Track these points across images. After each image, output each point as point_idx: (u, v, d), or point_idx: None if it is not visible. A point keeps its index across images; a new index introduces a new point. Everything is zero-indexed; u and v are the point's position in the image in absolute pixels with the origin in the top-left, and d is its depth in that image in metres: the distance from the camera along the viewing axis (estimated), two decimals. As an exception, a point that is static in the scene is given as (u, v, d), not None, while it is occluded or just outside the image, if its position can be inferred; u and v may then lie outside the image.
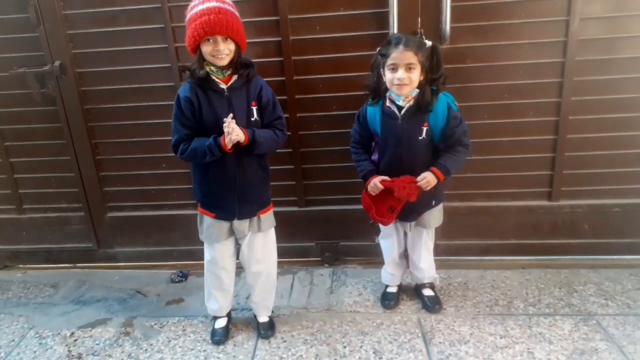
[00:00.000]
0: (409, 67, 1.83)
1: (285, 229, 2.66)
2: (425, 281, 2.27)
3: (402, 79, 1.83)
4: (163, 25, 2.39)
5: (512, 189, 2.53)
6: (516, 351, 1.93)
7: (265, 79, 2.41)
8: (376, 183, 1.97)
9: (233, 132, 1.71)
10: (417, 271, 2.26)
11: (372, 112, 2.03)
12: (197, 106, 1.81)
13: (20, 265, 2.92)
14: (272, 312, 2.20)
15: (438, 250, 2.42)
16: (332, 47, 2.38)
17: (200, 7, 1.71)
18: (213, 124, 1.81)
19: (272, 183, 2.58)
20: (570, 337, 1.99)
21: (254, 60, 2.36)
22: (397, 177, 1.94)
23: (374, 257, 2.60)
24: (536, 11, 2.25)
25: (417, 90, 1.90)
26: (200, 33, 1.70)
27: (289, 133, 2.49)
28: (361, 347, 2.01)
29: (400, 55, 1.82)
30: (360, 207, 2.09)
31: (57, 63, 2.46)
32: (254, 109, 1.88)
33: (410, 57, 1.82)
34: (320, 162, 2.58)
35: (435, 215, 2.14)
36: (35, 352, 2.13)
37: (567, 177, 2.47)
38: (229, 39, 1.75)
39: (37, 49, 2.47)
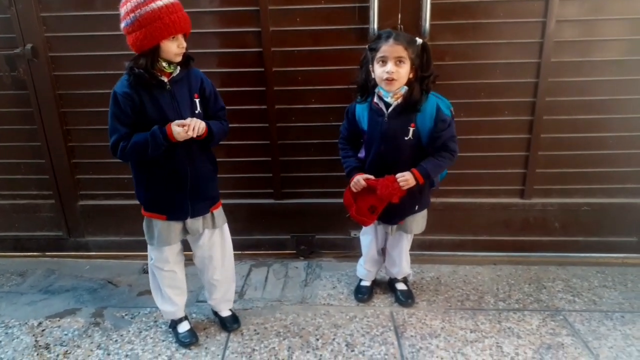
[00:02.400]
0: (398, 61, 1.80)
1: (261, 221, 2.68)
2: (399, 276, 2.29)
3: (391, 72, 1.80)
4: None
5: (486, 186, 2.57)
6: (485, 345, 1.96)
7: (244, 70, 2.44)
8: (359, 180, 1.95)
9: (197, 127, 1.67)
10: (393, 268, 2.27)
11: (361, 109, 2.01)
12: (139, 102, 1.71)
13: (-13, 253, 2.84)
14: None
15: (412, 245, 2.42)
16: (312, 39, 2.37)
17: (159, 3, 1.60)
18: (157, 120, 1.71)
19: (248, 175, 2.61)
20: (538, 332, 2.04)
21: (234, 50, 2.40)
22: (382, 177, 1.92)
23: (348, 251, 2.62)
24: (514, 11, 2.28)
25: (405, 88, 1.87)
26: (171, 31, 1.62)
27: (267, 125, 2.50)
28: (334, 339, 2.02)
29: (390, 48, 1.80)
30: (337, 200, 2.10)
31: (28, 46, 2.38)
32: (197, 101, 1.81)
33: (400, 50, 1.80)
34: (298, 155, 2.57)
35: (418, 221, 2.12)
36: (0, 341, 2.08)
37: (540, 176, 2.52)
38: (184, 35, 1.71)
39: (8, 31, 2.39)
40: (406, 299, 2.23)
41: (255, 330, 2.09)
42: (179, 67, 1.75)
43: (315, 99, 2.46)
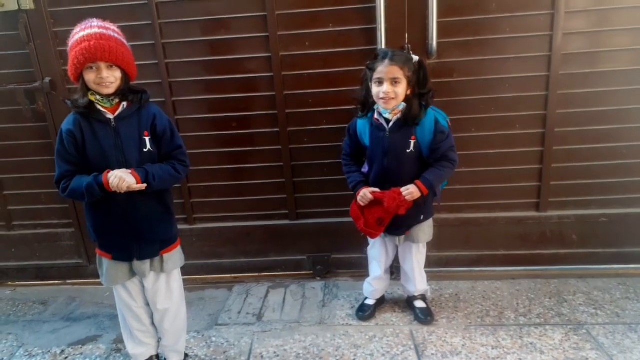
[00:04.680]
0: (394, 81, 1.87)
1: (277, 242, 2.70)
2: (417, 293, 2.28)
3: (387, 92, 1.87)
4: (153, 42, 2.41)
5: (500, 200, 2.56)
6: (508, 362, 1.94)
7: (255, 94, 2.49)
8: (366, 193, 2.00)
9: (122, 184, 1.59)
10: (408, 284, 2.27)
11: (362, 125, 2.07)
12: (81, 139, 1.66)
13: (9, 283, 2.89)
14: (186, 355, 2.07)
15: (429, 262, 2.43)
16: (321, 62, 2.42)
17: (82, 33, 1.59)
18: (98, 158, 1.66)
19: (263, 197, 2.63)
20: (561, 346, 2.01)
21: (245, 75, 2.45)
22: (387, 190, 1.97)
23: (365, 270, 2.60)
24: (520, 26, 2.30)
25: (404, 104, 1.93)
26: (81, 60, 1.57)
27: (279, 147, 2.53)
28: (354, 360, 2.01)
29: (385, 69, 1.86)
30: (352, 219, 2.11)
31: (47, 80, 2.47)
32: (147, 139, 1.72)
33: (396, 71, 1.86)
34: (311, 175, 2.60)
35: (424, 230, 2.14)
36: (24, 370, 2.11)
37: (554, 188, 2.51)
38: (114, 66, 1.62)
39: (27, 66, 2.48)
40: (425, 317, 2.22)
41: (275, 352, 2.09)
42: (124, 104, 1.69)
43: (327, 120, 2.50)
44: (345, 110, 2.40)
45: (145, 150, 1.72)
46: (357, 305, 2.35)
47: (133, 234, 1.75)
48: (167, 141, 1.77)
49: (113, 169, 1.64)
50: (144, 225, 1.75)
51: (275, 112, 2.50)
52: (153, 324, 1.96)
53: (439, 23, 2.26)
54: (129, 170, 1.64)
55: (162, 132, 1.75)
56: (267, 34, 2.38)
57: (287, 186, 2.61)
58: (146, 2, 2.38)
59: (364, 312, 2.28)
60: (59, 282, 2.85)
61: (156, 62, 2.44)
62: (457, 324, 2.20)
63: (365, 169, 2.13)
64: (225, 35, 2.41)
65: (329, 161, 2.53)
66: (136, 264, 1.79)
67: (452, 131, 2.03)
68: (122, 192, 1.61)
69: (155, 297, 1.87)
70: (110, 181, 1.60)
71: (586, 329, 2.11)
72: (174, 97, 2.50)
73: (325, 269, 2.70)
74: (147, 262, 1.81)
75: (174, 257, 1.87)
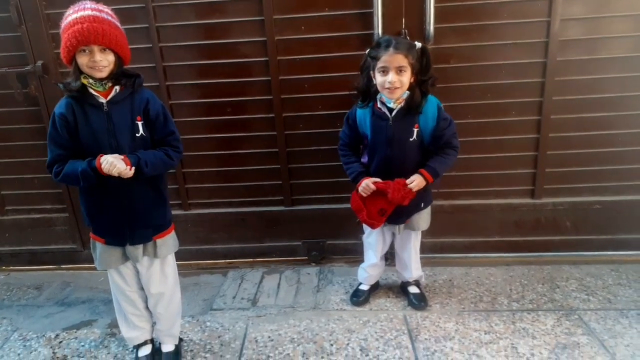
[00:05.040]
0: (399, 70, 1.83)
1: (272, 228, 2.70)
2: (412, 279, 2.29)
3: (393, 82, 1.83)
4: (147, 25, 2.37)
5: (495, 187, 2.57)
6: (500, 346, 1.95)
7: (250, 79, 2.47)
8: (369, 184, 1.97)
9: (112, 169, 1.58)
10: (404, 271, 2.28)
11: (362, 114, 2.03)
12: (73, 123, 1.65)
13: (3, 267, 2.88)
14: (180, 339, 2.06)
15: (423, 248, 2.43)
16: (317, 47, 2.39)
17: (74, 15, 1.57)
18: (90, 143, 1.65)
19: (258, 183, 2.63)
20: (553, 331, 2.03)
21: (240, 60, 2.43)
22: (390, 180, 1.95)
23: (360, 255, 2.60)
24: (518, 12, 2.28)
25: (407, 92, 1.90)
26: (73, 43, 1.54)
27: (275, 133, 2.52)
28: (348, 344, 2.02)
29: (390, 58, 1.82)
30: (347, 205, 2.11)
31: (39, 63, 2.43)
32: (140, 124, 1.71)
33: (401, 59, 1.82)
34: (306, 162, 2.59)
35: (424, 218, 2.15)
36: (19, 354, 2.10)
37: (549, 175, 2.51)
38: (107, 50, 1.60)
39: (19, 49, 2.44)
40: (419, 302, 2.23)
41: (269, 337, 2.10)
42: (117, 88, 1.67)
43: (322, 106, 2.48)
44: (341, 95, 2.39)
45: (137, 135, 1.71)
46: (351, 291, 2.37)
47: (126, 219, 1.74)
48: (160, 126, 1.76)
49: (106, 154, 1.63)
50: (137, 210, 1.75)
51: (271, 97, 2.48)
52: (147, 308, 1.97)
53: (436, 8, 2.24)
54: (121, 156, 1.63)
55: (154, 117, 1.73)
56: (262, 18, 2.36)
57: (282, 172, 2.60)
58: (144, 5, 2.34)
59: (358, 298, 2.29)
60: (53, 267, 2.85)
61: (150, 45, 2.41)
62: (450, 309, 2.21)
63: (364, 158, 2.10)
64: (220, 19, 2.38)
65: (324, 147, 2.52)
66: (129, 248, 1.79)
67: (448, 117, 2.02)
68: (113, 175, 1.60)
69: (149, 281, 1.87)
70: (102, 166, 1.59)
71: (578, 315, 2.13)
72: (168, 82, 2.47)
73: (320, 254, 2.70)
74: (140, 247, 1.80)
75: (168, 242, 1.87)
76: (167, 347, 2.01)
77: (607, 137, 2.44)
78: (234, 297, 2.39)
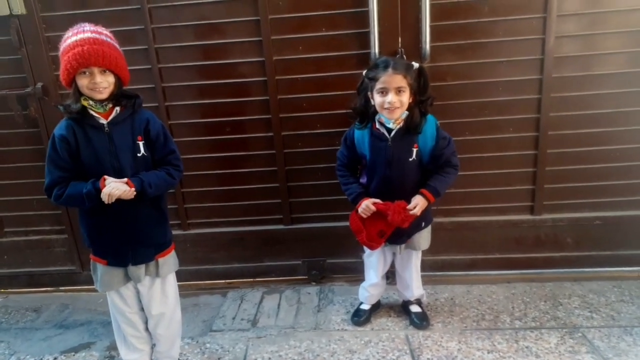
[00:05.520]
0: (398, 91, 1.83)
1: (272, 247, 2.69)
2: (413, 298, 2.27)
3: (393, 102, 1.83)
4: (146, 47, 2.40)
5: (495, 204, 2.56)
6: (503, 366, 1.93)
7: (249, 99, 2.49)
8: (369, 205, 1.95)
9: (113, 192, 1.59)
10: (406, 290, 2.26)
11: (360, 135, 2.03)
12: (74, 145, 1.65)
13: (2, 290, 2.86)
14: None
15: (424, 266, 2.42)
16: (315, 66, 2.41)
17: (74, 38, 1.59)
18: (92, 164, 1.66)
19: (257, 202, 2.62)
20: (557, 350, 2.00)
21: (238, 80, 2.44)
22: (391, 202, 1.94)
23: (360, 274, 2.58)
24: (513, 30, 2.31)
25: (406, 113, 1.90)
26: (74, 65, 1.56)
27: (274, 151, 2.52)
28: (349, 365, 2.00)
29: (389, 79, 1.83)
30: (347, 223, 2.09)
31: (39, 85, 2.45)
32: (141, 144, 1.72)
33: (400, 80, 1.83)
34: (306, 180, 2.59)
35: (424, 237, 2.13)
36: (16, 379, 2.08)
37: (549, 191, 2.51)
38: (107, 71, 1.62)
39: (19, 71, 2.46)
40: (421, 322, 2.21)
41: (269, 358, 2.07)
42: (117, 108, 1.68)
43: (321, 124, 2.49)
44: (340, 114, 2.39)
45: (139, 155, 1.72)
46: (352, 310, 2.34)
47: (128, 239, 1.74)
48: (160, 146, 1.77)
49: (108, 174, 1.64)
50: (140, 229, 1.75)
51: (269, 116, 2.49)
52: (147, 329, 1.95)
53: (432, 27, 2.26)
54: (125, 180, 1.64)
55: (155, 137, 1.75)
56: (260, 39, 2.38)
57: (282, 191, 2.60)
58: (139, 6, 2.37)
59: (360, 317, 2.26)
60: (52, 288, 2.82)
61: (149, 66, 2.43)
62: (452, 328, 2.19)
63: (363, 179, 2.09)
64: (218, 40, 2.41)
65: (323, 165, 2.52)
66: (131, 269, 1.78)
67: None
68: (110, 202, 1.60)
69: (150, 302, 1.86)
70: (103, 191, 1.59)
71: (582, 332, 2.10)
72: (167, 102, 2.49)
73: (321, 273, 2.69)
74: (142, 267, 1.80)
75: (169, 261, 1.87)
76: None
77: (605, 152, 2.44)
78: (233, 318, 2.37)
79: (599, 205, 2.52)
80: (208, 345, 2.20)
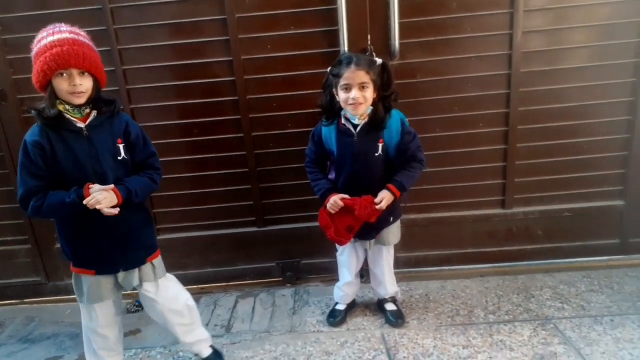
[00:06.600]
0: (362, 86, 1.84)
1: (245, 250, 2.65)
2: (387, 296, 2.26)
3: (357, 98, 1.84)
4: (109, 48, 2.32)
5: (467, 199, 2.58)
6: (479, 360, 1.94)
7: (217, 99, 2.44)
8: (336, 200, 1.96)
9: (103, 201, 1.55)
10: (379, 287, 2.26)
11: (327, 131, 2.03)
12: (50, 151, 1.58)
13: (-37, 304, 2.74)
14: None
15: (398, 263, 2.43)
16: (284, 65, 2.38)
17: (50, 38, 1.51)
18: (72, 169, 1.60)
19: (229, 204, 2.57)
20: (530, 342, 2.02)
21: (206, 80, 2.39)
22: (358, 197, 1.94)
23: (335, 273, 2.57)
24: (481, 25, 2.32)
25: (371, 108, 1.92)
26: (51, 66, 1.48)
27: (244, 152, 2.48)
28: (326, 367, 1.98)
29: (352, 74, 1.83)
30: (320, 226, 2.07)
31: (-4, 89, 2.35)
32: (121, 146, 1.68)
33: (363, 76, 1.83)
34: (278, 181, 2.55)
35: (393, 232, 2.14)
36: (-21, 398, 1.99)
37: (519, 185, 2.54)
38: (86, 73, 1.55)
39: (-26, 75, 2.36)
40: (396, 319, 2.20)
41: (245, 364, 2.04)
42: (94, 112, 1.63)
43: (292, 124, 2.46)
44: (310, 113, 2.37)
45: (119, 158, 1.68)
46: (327, 311, 2.32)
47: (118, 244, 1.70)
48: (140, 148, 1.74)
49: (90, 179, 1.60)
50: (129, 232, 1.71)
51: (239, 116, 2.44)
52: (118, 341, 1.91)
53: (400, 23, 2.25)
54: (110, 186, 1.60)
55: (135, 139, 1.72)
56: (227, 38, 2.33)
57: (253, 192, 2.56)
58: (100, 6, 2.29)
59: (335, 318, 2.25)
60: (16, 301, 2.71)
61: (113, 68, 2.35)
62: (427, 325, 2.19)
63: (331, 175, 2.09)
64: (184, 40, 2.35)
65: (295, 165, 2.48)
66: (122, 275, 1.74)
67: (416, 131, 2.02)
68: (92, 207, 1.56)
69: (164, 302, 1.84)
70: (91, 199, 1.55)
71: (553, 324, 2.13)
72: (132, 105, 2.42)
73: (295, 275, 2.66)
74: (135, 272, 1.76)
75: (162, 263, 1.87)
76: (206, 350, 2.01)
77: (573, 145, 2.48)
78: (206, 325, 2.32)
79: (568, 197, 2.57)
80: (181, 353, 2.14)
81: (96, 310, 1.79)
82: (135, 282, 1.78)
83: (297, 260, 2.66)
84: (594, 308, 2.23)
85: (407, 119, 2.02)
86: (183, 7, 2.31)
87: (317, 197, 2.08)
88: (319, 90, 2.18)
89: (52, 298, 2.67)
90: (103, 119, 1.65)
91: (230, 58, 2.36)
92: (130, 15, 2.31)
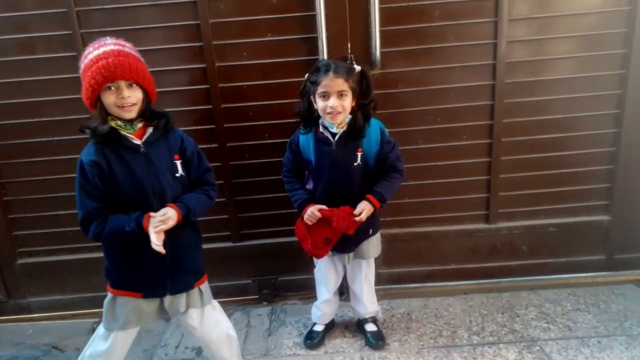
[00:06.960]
0: (340, 94, 1.77)
1: (219, 266, 2.53)
2: (368, 315, 2.16)
3: (335, 107, 1.77)
4: (75, 54, 2.19)
5: (450, 213, 2.50)
6: (462, 386, 1.85)
7: (190, 108, 2.34)
8: (314, 212, 1.87)
9: (167, 222, 1.51)
10: (358, 305, 2.16)
11: (305, 140, 1.95)
12: (108, 170, 1.52)
13: None
14: None
15: (380, 279, 2.33)
16: (261, 73, 2.29)
17: (96, 52, 1.47)
18: (131, 188, 1.54)
19: (202, 218, 2.42)
20: (515, 366, 1.94)
21: (179, 88, 2.29)
22: (336, 208, 1.86)
23: (315, 291, 2.48)
24: (465, 34, 2.25)
25: (349, 117, 1.85)
26: (98, 80, 1.44)
27: (219, 164, 2.36)
28: (301, 394, 1.87)
29: (330, 82, 1.76)
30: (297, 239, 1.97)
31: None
32: (178, 163, 1.63)
33: (341, 84, 1.76)
34: (255, 194, 2.45)
35: (373, 244, 2.05)
36: None
37: (503, 199, 2.46)
38: (134, 85, 1.51)
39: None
40: (377, 341, 2.10)
41: (215, 390, 1.92)
42: (150, 128, 1.58)
43: (269, 134, 2.36)
44: (288, 123, 2.26)
45: (177, 175, 1.64)
46: (305, 332, 2.21)
47: (167, 266, 1.60)
48: (195, 165, 1.70)
49: (149, 199, 1.55)
50: (179, 254, 1.63)
51: (213, 126, 2.34)
52: None
53: (382, 32, 2.18)
54: (167, 209, 1.54)
55: (191, 155, 1.68)
56: (200, 44, 2.23)
57: (229, 206, 2.44)
58: (66, 10, 2.17)
59: (312, 340, 2.14)
60: (-26, 320, 2.56)
61: (78, 75, 2.22)
62: (409, 347, 2.09)
63: (309, 185, 2.00)
64: (156, 46, 2.23)
65: (273, 177, 2.37)
66: (168, 300, 1.66)
67: (398, 143, 1.95)
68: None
69: (208, 330, 1.76)
70: (154, 227, 1.49)
71: (539, 346, 2.05)
72: (100, 113, 2.29)
73: (272, 292, 2.54)
74: (183, 297, 1.68)
75: (207, 287, 1.77)
76: None
77: (558, 158, 2.42)
78: (176, 347, 2.19)
79: (553, 212, 2.50)
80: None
81: (117, 338, 1.67)
82: (183, 308, 1.69)
83: (275, 277, 2.55)
84: (581, 329, 2.15)
85: (387, 129, 1.94)
86: (154, 11, 2.21)
87: (295, 210, 1.98)
88: (297, 100, 2.09)
89: (13, 317, 2.52)
90: (159, 135, 1.59)
91: (204, 65, 2.26)
92: (97, 19, 2.21)
